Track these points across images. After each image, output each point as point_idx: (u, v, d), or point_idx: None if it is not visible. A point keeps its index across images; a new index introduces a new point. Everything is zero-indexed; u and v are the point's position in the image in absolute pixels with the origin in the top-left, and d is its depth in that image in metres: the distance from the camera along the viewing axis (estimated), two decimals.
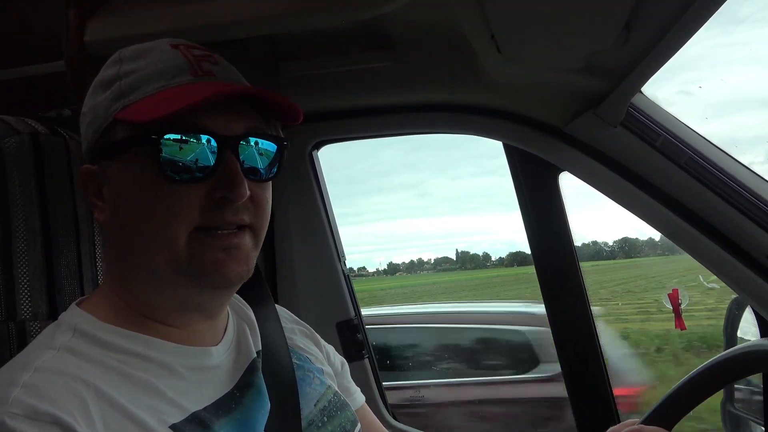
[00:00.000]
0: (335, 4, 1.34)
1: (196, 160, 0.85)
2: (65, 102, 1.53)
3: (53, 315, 1.04)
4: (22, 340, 1.00)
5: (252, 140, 0.91)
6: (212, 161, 0.86)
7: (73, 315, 0.91)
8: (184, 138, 0.84)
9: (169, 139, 0.84)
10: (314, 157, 2.04)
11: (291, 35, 1.67)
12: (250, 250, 0.92)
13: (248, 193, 0.87)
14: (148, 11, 1.46)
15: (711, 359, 1.28)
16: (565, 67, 1.55)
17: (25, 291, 1.02)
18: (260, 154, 0.92)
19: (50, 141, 1.09)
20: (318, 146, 2.03)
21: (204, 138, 0.85)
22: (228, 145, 0.86)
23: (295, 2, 1.36)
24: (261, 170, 0.92)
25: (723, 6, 1.10)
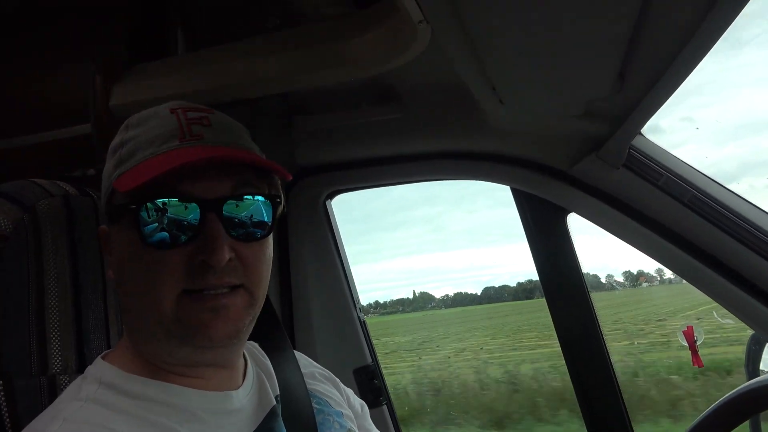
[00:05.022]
0: (342, 62, 1.41)
1: (178, 225, 0.86)
2: (90, 162, 1.61)
3: (81, 368, 1.08)
4: (52, 393, 1.03)
5: (233, 202, 0.89)
6: (194, 225, 0.86)
7: (98, 368, 0.95)
8: (163, 205, 0.86)
9: (147, 207, 0.86)
10: (328, 207, 2.09)
11: (303, 91, 1.75)
12: (241, 309, 0.91)
13: (227, 257, 0.86)
14: (169, 76, 1.55)
15: (740, 387, 1.29)
16: (565, 114, 1.60)
17: (56, 345, 1.06)
18: (249, 213, 0.91)
19: (80, 201, 1.15)
20: (331, 196, 2.09)
21: (183, 203, 0.86)
22: (210, 208, 0.87)
23: (304, 61, 1.44)
24: (251, 230, 0.91)
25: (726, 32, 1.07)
